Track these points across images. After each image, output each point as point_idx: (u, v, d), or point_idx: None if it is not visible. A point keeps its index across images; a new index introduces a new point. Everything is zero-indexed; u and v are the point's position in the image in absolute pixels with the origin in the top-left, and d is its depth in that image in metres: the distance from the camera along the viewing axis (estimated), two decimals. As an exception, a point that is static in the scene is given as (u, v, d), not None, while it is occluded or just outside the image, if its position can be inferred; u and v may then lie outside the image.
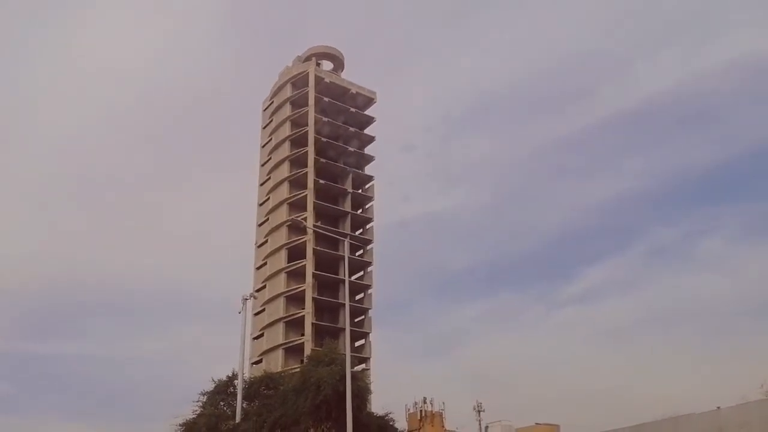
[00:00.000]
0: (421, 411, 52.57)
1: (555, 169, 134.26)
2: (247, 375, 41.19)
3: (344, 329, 44.60)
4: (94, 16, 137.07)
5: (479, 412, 55.93)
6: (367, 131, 73.01)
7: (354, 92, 72.24)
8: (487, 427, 56.38)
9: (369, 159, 72.37)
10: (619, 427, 37.32)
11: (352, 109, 71.71)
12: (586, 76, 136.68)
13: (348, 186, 69.38)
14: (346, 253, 38.55)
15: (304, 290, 62.69)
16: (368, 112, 73.51)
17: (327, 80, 71.24)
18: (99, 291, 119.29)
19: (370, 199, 70.94)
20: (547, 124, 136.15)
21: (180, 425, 35.92)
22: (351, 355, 29.57)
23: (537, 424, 56.68)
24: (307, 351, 54.03)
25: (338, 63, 75.31)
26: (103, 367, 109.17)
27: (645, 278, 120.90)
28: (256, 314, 64.69)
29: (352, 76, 74.70)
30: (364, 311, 65.44)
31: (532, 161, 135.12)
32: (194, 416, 35.90)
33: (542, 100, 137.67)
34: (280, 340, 62.20)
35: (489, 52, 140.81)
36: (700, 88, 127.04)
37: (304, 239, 64.22)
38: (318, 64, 73.12)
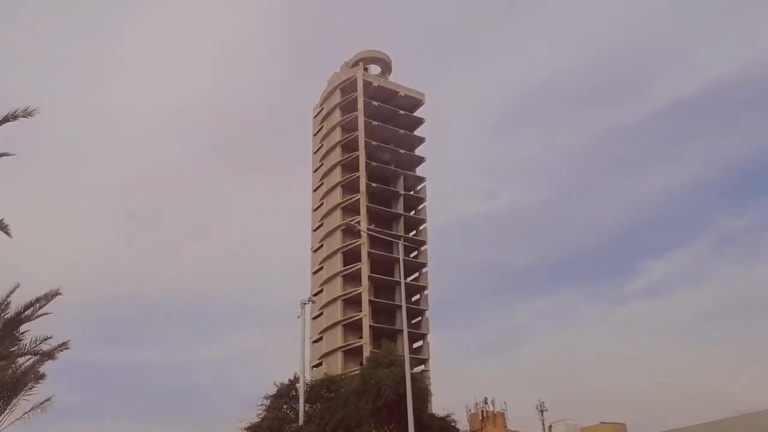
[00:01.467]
0: (482, 411, 51.94)
1: (614, 161, 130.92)
2: (308, 378, 41.66)
3: (402, 331, 44.62)
4: (154, 29, 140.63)
5: (542, 411, 54.87)
6: (416, 132, 73.08)
7: (402, 95, 72.37)
8: (550, 427, 55.31)
9: (420, 160, 72.42)
10: (691, 425, 36.01)
11: (401, 112, 71.87)
12: (642, 64, 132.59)
13: (400, 188, 69.55)
14: (401, 255, 38.53)
15: (361, 293, 63.16)
16: (417, 113, 73.51)
17: (375, 84, 71.66)
18: (164, 301, 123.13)
19: (423, 200, 70.92)
20: (604, 116, 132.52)
21: (245, 429, 36.76)
22: (410, 357, 29.60)
23: (602, 422, 55.24)
24: (366, 353, 54.40)
25: (386, 66, 75.65)
26: (172, 374, 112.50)
27: (712, 270, 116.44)
28: (315, 318, 65.56)
29: (400, 78, 75.08)
30: (421, 312, 65.41)
31: (590, 154, 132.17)
32: (258, 419, 36.64)
33: (598, 90, 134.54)
34: (339, 342, 62.83)
35: (541, 42, 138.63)
36: (763, 70, 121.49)
37: (358, 242, 64.72)
38: (366, 69, 73.64)
